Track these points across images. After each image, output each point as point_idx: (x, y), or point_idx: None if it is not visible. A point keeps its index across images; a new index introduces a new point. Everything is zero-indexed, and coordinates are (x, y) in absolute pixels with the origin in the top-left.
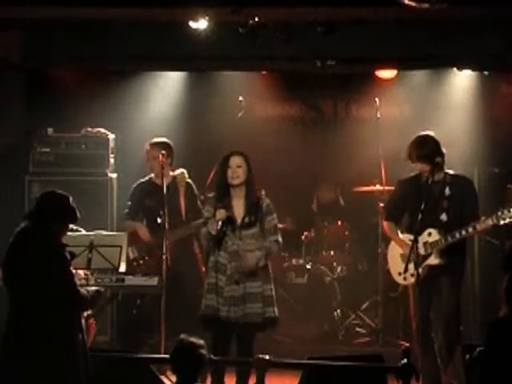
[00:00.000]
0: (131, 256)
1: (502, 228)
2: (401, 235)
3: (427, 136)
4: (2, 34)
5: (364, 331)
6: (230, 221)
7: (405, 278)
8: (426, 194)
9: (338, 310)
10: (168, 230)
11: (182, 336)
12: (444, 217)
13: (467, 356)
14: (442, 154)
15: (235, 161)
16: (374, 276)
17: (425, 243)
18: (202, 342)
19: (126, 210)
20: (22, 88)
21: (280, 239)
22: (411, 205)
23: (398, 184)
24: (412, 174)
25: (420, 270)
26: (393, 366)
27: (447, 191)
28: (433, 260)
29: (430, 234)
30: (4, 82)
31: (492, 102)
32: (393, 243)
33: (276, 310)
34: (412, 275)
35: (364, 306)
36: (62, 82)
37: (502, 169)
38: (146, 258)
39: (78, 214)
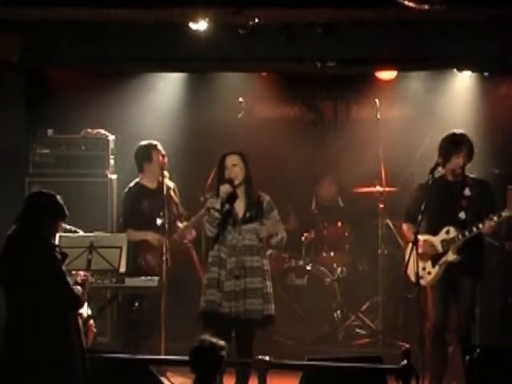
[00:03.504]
0: (151, 262)
1: (502, 229)
2: (420, 236)
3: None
4: (1, 35)
5: (364, 332)
6: (233, 196)
7: (421, 277)
8: (441, 194)
9: (338, 311)
10: (172, 231)
11: (204, 336)
12: (462, 215)
13: (467, 357)
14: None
15: (230, 160)
16: (374, 277)
17: (442, 241)
18: (222, 343)
19: (123, 218)
20: (21, 89)
21: (284, 234)
22: (431, 206)
23: (419, 187)
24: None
25: (437, 267)
26: (393, 367)
27: (467, 192)
28: (450, 256)
29: (447, 232)
30: (4, 83)
31: (492, 104)
32: (410, 244)
33: (273, 307)
34: (429, 273)
35: (364, 307)
36: (62, 83)
37: (502, 170)
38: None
39: (67, 211)
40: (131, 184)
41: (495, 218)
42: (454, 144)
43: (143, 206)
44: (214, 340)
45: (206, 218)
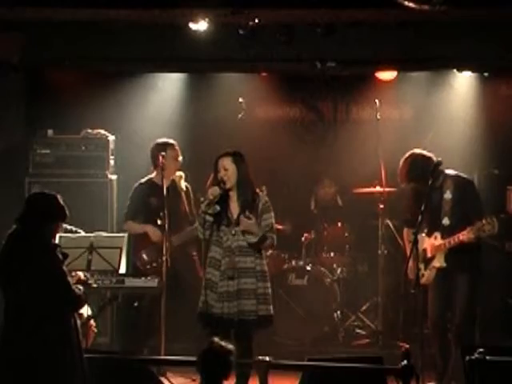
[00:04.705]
0: (145, 259)
1: (501, 229)
2: (419, 237)
3: (412, 156)
4: (2, 36)
5: (364, 333)
6: (224, 198)
7: (422, 276)
8: (424, 202)
9: (338, 312)
10: (174, 232)
11: (213, 339)
12: (446, 221)
13: (467, 357)
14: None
15: (222, 163)
16: (374, 277)
17: (431, 246)
18: (231, 347)
19: (126, 211)
20: (22, 89)
21: (275, 238)
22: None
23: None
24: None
25: (428, 271)
26: (393, 367)
27: (447, 195)
28: (436, 262)
29: (435, 238)
30: (4, 84)
31: (492, 104)
32: (410, 245)
33: (271, 308)
34: (423, 275)
35: (364, 307)
36: (62, 83)
37: (501, 171)
38: (160, 260)
39: (67, 212)
40: (143, 180)
41: (463, 235)
42: (406, 175)
43: (150, 201)
44: (223, 344)
45: (199, 219)
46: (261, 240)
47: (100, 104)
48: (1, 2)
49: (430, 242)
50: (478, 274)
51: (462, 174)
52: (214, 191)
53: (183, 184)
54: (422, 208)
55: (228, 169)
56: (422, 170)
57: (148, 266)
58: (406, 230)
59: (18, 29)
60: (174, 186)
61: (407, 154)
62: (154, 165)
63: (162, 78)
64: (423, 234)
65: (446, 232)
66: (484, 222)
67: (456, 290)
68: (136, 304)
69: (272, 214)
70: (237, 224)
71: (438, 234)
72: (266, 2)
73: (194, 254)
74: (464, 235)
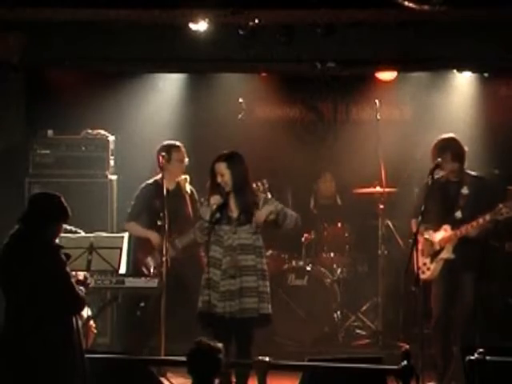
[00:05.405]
0: (153, 264)
1: (502, 229)
2: (425, 233)
3: (440, 140)
4: (2, 36)
5: (364, 333)
6: (223, 208)
7: (423, 272)
8: (440, 194)
9: (338, 312)
10: (177, 234)
11: (200, 338)
12: (459, 214)
13: (467, 357)
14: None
15: (218, 168)
16: (374, 278)
17: (440, 239)
18: (219, 345)
19: (129, 210)
20: (22, 90)
21: (297, 216)
22: (431, 205)
23: (424, 186)
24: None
25: (435, 264)
26: (393, 367)
27: (464, 190)
28: (445, 254)
29: (445, 230)
30: (4, 84)
31: (492, 104)
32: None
33: (270, 307)
34: (428, 269)
35: (364, 307)
36: (63, 83)
37: (501, 171)
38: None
39: (70, 213)
40: (149, 181)
41: (480, 221)
42: (438, 149)
43: (155, 203)
44: (211, 342)
45: (197, 225)
46: (282, 216)
47: (100, 104)
48: (1, 2)
49: (440, 234)
50: (483, 275)
51: (481, 174)
52: (217, 200)
53: (188, 187)
54: (422, 208)
55: (224, 174)
56: (452, 152)
57: (155, 272)
58: (413, 221)
59: (18, 29)
60: (178, 188)
61: (436, 140)
62: (159, 166)
63: (162, 79)
64: (430, 231)
65: (457, 225)
66: (501, 205)
67: (460, 288)
68: (142, 304)
69: (278, 202)
70: (237, 224)
71: (447, 227)
72: (266, 2)
73: (203, 254)
74: (479, 222)
